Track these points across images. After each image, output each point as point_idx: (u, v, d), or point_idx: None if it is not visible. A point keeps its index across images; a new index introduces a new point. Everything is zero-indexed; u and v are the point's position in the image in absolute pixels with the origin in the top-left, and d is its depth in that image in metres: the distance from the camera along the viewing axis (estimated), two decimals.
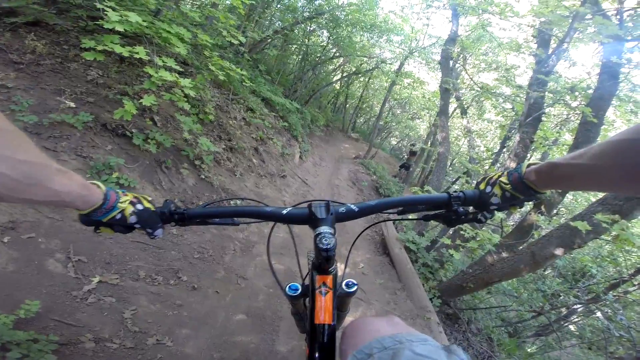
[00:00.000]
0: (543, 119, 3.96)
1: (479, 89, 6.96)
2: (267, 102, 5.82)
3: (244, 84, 3.94)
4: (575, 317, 4.40)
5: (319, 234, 0.63)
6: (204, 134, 3.51)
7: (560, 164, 0.56)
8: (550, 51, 3.87)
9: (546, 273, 4.82)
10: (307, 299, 0.74)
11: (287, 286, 0.78)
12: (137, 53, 1.97)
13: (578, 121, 3.53)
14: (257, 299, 2.21)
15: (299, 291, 0.77)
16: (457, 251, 3.05)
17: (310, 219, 0.68)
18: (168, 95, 2.34)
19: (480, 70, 8.68)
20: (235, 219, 0.72)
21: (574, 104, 3.97)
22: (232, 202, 3.09)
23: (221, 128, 3.94)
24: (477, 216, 0.71)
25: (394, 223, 4.54)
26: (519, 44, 5.28)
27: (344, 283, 0.78)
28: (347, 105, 16.18)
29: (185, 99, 2.40)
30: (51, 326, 1.39)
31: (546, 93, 3.78)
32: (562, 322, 4.31)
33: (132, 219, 0.62)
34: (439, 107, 6.31)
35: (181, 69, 2.37)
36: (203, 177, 3.13)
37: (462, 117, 8.49)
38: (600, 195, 2.47)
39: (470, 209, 0.72)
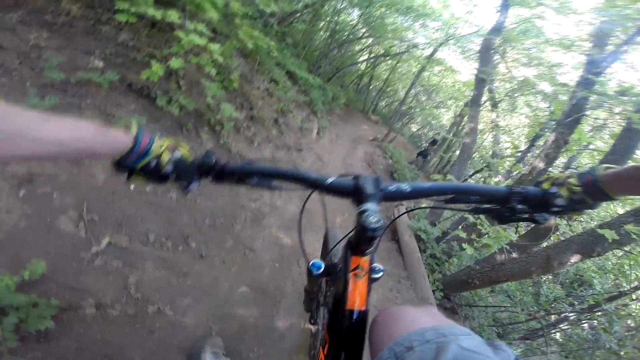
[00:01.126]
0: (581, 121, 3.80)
1: (516, 83, 6.61)
2: (291, 75, 5.73)
3: (270, 54, 3.87)
4: (564, 325, 4.39)
5: (365, 210, 0.57)
6: (227, 101, 3.51)
7: None
8: (605, 52, 3.63)
9: (544, 279, 4.78)
10: (325, 279, 0.69)
11: (311, 263, 0.74)
12: (169, 16, 1.95)
13: (615, 128, 3.37)
14: (262, 272, 2.24)
15: (322, 269, 0.73)
16: (471, 246, 3.02)
17: (356, 193, 0.63)
18: (196, 59, 2.32)
19: (520, 64, 8.24)
20: (274, 183, 0.67)
21: (618, 109, 3.76)
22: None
23: (244, 97, 3.94)
24: (535, 216, 0.65)
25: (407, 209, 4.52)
26: (571, 41, 4.94)
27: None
28: (371, 87, 15.79)
29: (213, 65, 2.37)
30: (54, 289, 1.35)
31: (591, 95, 3.57)
32: (551, 329, 4.33)
33: (168, 168, 0.57)
34: (472, 97, 6.06)
35: (211, 35, 2.34)
36: (222, 142, 3.16)
37: (492, 111, 8.18)
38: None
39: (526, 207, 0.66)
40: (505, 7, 6.18)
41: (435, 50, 10.26)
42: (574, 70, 4.94)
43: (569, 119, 3.44)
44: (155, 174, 0.56)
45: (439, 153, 11.15)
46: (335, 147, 7.39)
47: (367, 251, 0.61)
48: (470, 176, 11.71)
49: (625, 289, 3.78)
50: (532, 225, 3.78)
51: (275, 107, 4.69)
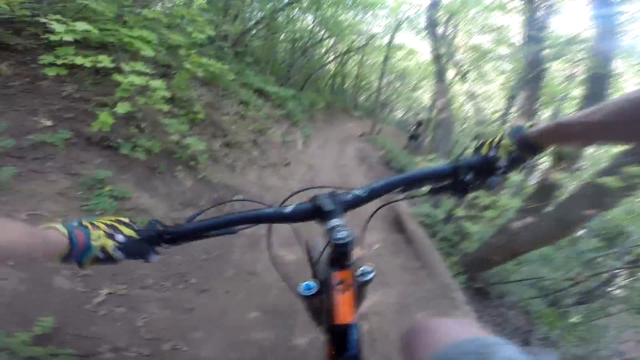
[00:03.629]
0: (547, 75, 3.90)
1: (478, 52, 6.70)
2: (261, 92, 5.64)
3: (228, 78, 3.78)
4: (619, 280, 4.11)
5: (332, 227, 0.58)
6: (196, 134, 3.39)
7: (571, 121, 0.56)
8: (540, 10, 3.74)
9: (579, 234, 4.49)
10: (323, 295, 0.68)
11: (301, 286, 0.71)
12: (100, 62, 1.85)
13: (582, 76, 3.41)
14: (269, 294, 2.12)
15: (315, 289, 0.69)
16: (475, 222, 2.86)
17: (316, 213, 0.63)
18: (143, 100, 2.21)
19: (472, 34, 8.38)
20: (234, 228, 0.64)
21: (577, 58, 3.80)
22: (227, 205, 2.97)
23: (215, 125, 3.81)
24: (486, 182, 0.67)
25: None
26: (503, 3, 5.23)
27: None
28: (346, 85, 15.83)
29: (164, 101, 2.26)
30: (68, 340, 1.37)
31: (544, 49, 3.66)
32: (605, 288, 4.04)
33: (119, 255, 0.54)
34: (434, 74, 6.05)
35: (152, 71, 2.23)
36: (201, 176, 3.04)
37: (463, 82, 8.16)
38: None
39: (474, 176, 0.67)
40: None
41: (392, 37, 10.42)
42: (521, 30, 5.11)
43: (532, 75, 3.48)
44: (107, 261, 0.54)
45: (428, 132, 11.09)
46: (324, 152, 7.29)
47: (346, 264, 0.61)
48: (464, 150, 11.65)
49: None
50: (538, 183, 3.64)
51: (250, 128, 4.58)
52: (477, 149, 0.70)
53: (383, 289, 2.53)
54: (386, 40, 10.94)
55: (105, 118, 1.89)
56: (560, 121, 0.59)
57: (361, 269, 0.71)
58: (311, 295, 0.68)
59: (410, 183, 0.70)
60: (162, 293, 1.82)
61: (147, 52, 2.15)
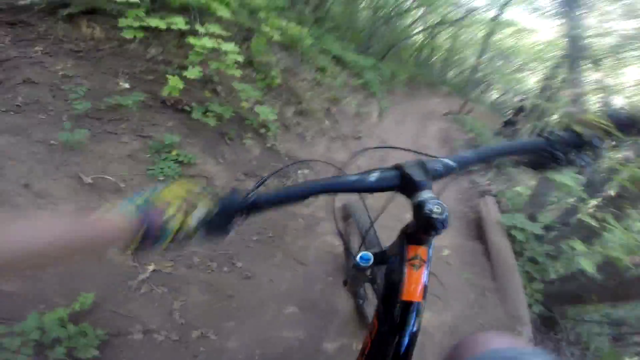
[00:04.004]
0: None
1: (619, 37, 5.32)
2: (338, 60, 5.33)
3: (307, 42, 3.58)
4: None
5: (423, 201, 0.53)
6: (271, 99, 3.30)
7: None
8: None
9: None
10: (374, 268, 0.70)
11: (359, 256, 0.70)
12: (175, 24, 1.78)
13: None
14: (313, 288, 1.98)
15: (371, 261, 0.69)
16: (590, 246, 2.21)
17: (404, 184, 0.58)
18: (215, 64, 2.11)
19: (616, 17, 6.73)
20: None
21: None
22: (298, 170, 2.93)
23: (290, 91, 3.71)
24: (573, 159, 0.64)
25: (497, 201, 3.61)
26: None
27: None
28: (434, 59, 14.39)
29: (237, 65, 2.15)
30: (104, 317, 1.39)
31: None
32: None
33: (200, 234, 0.48)
34: (567, 58, 4.85)
35: (228, 34, 2.12)
36: (269, 145, 2.97)
37: (594, 70, 6.62)
38: None
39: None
40: None
41: (500, 12, 8.90)
42: None
43: None
44: (184, 242, 0.48)
45: (531, 121, 9.56)
46: (402, 128, 6.77)
47: (426, 240, 0.59)
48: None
49: None
50: None
51: (325, 96, 4.40)
52: (568, 127, 0.65)
53: (439, 306, 2.10)
54: (491, 14, 9.52)
55: (175, 82, 1.85)
56: None
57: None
58: (365, 266, 0.67)
59: (501, 155, 0.66)
60: (206, 274, 1.79)
61: (224, 13, 2.05)
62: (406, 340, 0.53)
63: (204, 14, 2.31)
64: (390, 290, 0.57)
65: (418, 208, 0.53)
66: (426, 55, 13.97)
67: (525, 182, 4.10)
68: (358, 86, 5.64)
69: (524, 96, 9.87)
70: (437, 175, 0.59)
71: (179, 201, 0.47)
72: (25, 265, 0.41)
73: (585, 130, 0.62)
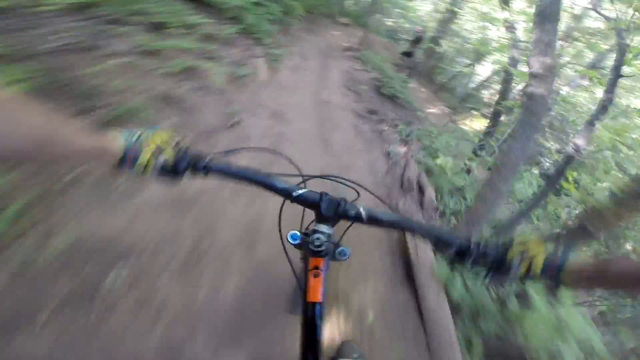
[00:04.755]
0: None
1: None
2: (198, 2, 3.92)
3: None
4: None
5: (316, 230, 0.71)
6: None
7: (615, 267, 0.55)
8: None
9: None
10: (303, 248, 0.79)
11: (289, 234, 0.77)
12: None
13: None
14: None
15: (299, 239, 0.77)
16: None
17: (316, 210, 0.71)
18: None
19: None
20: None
21: None
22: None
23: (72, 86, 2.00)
24: (486, 277, 0.66)
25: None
26: None
27: (337, 250, 0.77)
28: None
29: None
30: None
31: None
32: None
33: (154, 174, 0.64)
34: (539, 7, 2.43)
35: None
36: None
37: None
38: None
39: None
40: None
41: None
42: None
43: None
44: (146, 177, 0.63)
45: (422, 49, 9.43)
46: (300, 78, 5.82)
47: (321, 255, 0.71)
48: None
49: None
50: None
51: (166, 69, 2.78)
52: (507, 245, 0.64)
53: None
54: None
55: None
56: (608, 264, 0.56)
57: (340, 249, 0.77)
58: (296, 244, 0.76)
59: (417, 232, 0.71)
60: None
61: None
62: (316, 330, 0.65)
63: None
64: (303, 295, 0.69)
65: (311, 233, 0.71)
66: None
67: None
68: (234, 35, 4.37)
69: (419, 26, 9.55)
70: (346, 218, 0.71)
71: (154, 146, 0.63)
72: (60, 158, 0.51)
73: (515, 260, 0.61)
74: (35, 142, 0.42)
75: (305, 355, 0.63)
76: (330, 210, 0.69)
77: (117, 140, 0.58)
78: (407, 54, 8.77)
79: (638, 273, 0.51)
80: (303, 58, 6.84)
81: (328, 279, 0.73)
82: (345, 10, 13.44)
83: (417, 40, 8.63)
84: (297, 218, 0.91)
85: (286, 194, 0.71)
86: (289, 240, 0.76)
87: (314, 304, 0.67)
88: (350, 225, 0.79)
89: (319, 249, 0.68)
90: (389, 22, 16.37)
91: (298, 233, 0.77)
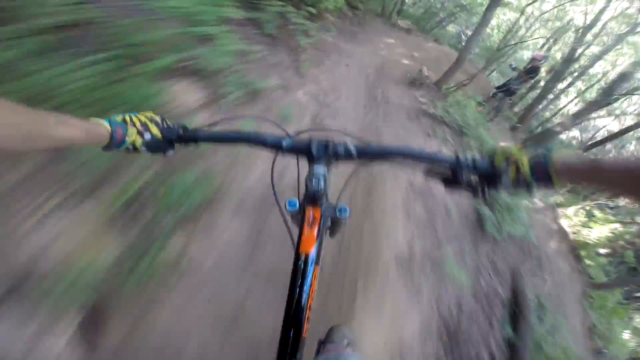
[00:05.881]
0: None
1: None
2: None
3: None
4: None
5: (311, 172, 0.68)
6: None
7: (607, 165, 0.51)
8: None
9: None
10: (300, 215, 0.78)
11: (287, 201, 0.76)
12: None
13: None
14: None
15: (296, 207, 0.75)
16: None
17: (308, 154, 0.70)
18: None
19: None
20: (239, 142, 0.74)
21: None
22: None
23: None
24: (478, 190, 0.66)
25: None
26: None
27: (337, 208, 0.75)
28: None
29: None
30: None
31: None
32: None
33: (144, 150, 0.66)
34: None
35: None
36: None
37: None
38: None
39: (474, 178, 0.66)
40: None
41: None
42: None
43: None
44: (135, 153, 0.66)
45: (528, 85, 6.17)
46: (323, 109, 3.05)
47: (318, 203, 0.67)
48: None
49: None
50: None
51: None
52: (491, 155, 0.65)
53: None
54: None
55: None
56: (595, 160, 0.54)
57: (340, 206, 0.74)
58: (293, 211, 0.74)
59: (407, 157, 0.70)
60: None
61: None
62: (307, 280, 0.62)
63: None
64: (297, 243, 0.65)
65: (307, 176, 0.68)
66: None
67: None
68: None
69: (540, 54, 5.93)
70: (336, 157, 0.70)
71: (139, 125, 0.65)
72: (52, 148, 0.50)
73: (502, 165, 0.62)
74: (21, 137, 0.44)
75: (288, 311, 0.60)
76: (321, 151, 0.69)
77: (102, 124, 0.58)
78: (507, 92, 5.54)
79: (633, 172, 0.46)
80: (334, 82, 3.73)
81: (326, 247, 0.74)
82: (403, 12, 10.06)
83: (530, 71, 5.37)
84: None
85: (277, 145, 0.70)
86: (287, 208, 0.74)
87: (306, 255, 0.63)
88: (351, 176, 0.81)
89: (317, 189, 0.65)
90: (451, 27, 12.96)
91: (295, 200, 0.74)
